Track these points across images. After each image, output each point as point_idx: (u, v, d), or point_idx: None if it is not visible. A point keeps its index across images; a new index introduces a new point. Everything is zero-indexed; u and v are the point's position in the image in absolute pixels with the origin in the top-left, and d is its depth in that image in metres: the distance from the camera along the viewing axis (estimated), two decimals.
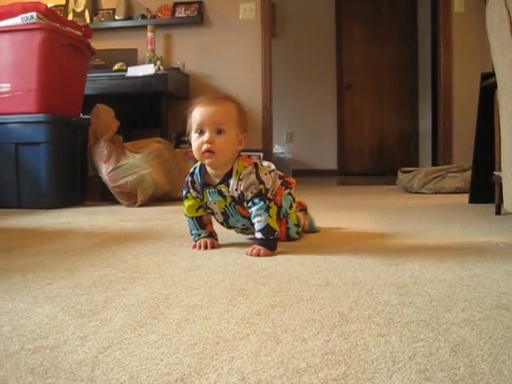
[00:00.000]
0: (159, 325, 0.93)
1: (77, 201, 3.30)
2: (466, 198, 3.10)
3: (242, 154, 1.70)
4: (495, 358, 0.76)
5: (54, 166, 3.08)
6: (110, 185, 3.14)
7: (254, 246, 1.60)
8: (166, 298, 1.11)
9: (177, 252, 1.65)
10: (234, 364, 0.75)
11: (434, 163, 5.77)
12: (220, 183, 1.65)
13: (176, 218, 2.57)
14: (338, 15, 7.04)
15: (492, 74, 2.43)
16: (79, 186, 3.35)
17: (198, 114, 1.61)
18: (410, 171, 4.19)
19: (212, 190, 1.66)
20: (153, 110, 4.39)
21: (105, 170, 3.15)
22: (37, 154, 3.06)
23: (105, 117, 3.34)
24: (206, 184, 1.67)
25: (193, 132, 1.63)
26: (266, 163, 1.84)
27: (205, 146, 1.58)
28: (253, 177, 1.61)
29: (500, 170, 2.43)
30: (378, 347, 0.81)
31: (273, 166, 1.84)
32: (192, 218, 1.74)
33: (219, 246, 1.73)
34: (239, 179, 1.62)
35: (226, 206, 1.68)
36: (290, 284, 1.22)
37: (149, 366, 0.75)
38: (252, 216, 1.63)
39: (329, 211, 2.67)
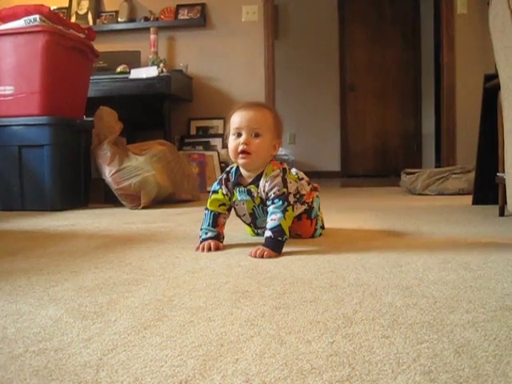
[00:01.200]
0: (163, 327, 0.93)
1: (80, 203, 3.30)
2: (469, 199, 3.10)
3: (275, 160, 1.78)
4: (500, 359, 0.76)
5: (57, 169, 3.09)
6: (114, 187, 3.15)
7: (259, 246, 1.60)
8: (170, 300, 1.11)
9: (180, 254, 1.65)
10: (238, 366, 0.75)
11: (437, 164, 5.77)
12: (250, 183, 1.73)
13: (180, 220, 2.57)
14: (341, 17, 7.05)
15: (495, 76, 2.42)
16: (83, 188, 3.35)
17: (237, 118, 1.70)
18: (414, 173, 4.18)
19: (242, 189, 1.74)
20: (156, 112, 4.39)
21: (108, 172, 3.16)
22: (40, 156, 3.06)
23: (108, 119, 3.34)
24: (238, 183, 1.75)
25: (230, 135, 1.72)
26: (294, 171, 1.93)
27: (241, 147, 1.67)
28: (278, 179, 1.69)
29: (503, 171, 2.43)
30: (382, 349, 0.81)
31: (302, 174, 1.95)
32: (211, 212, 1.78)
33: (224, 248, 1.73)
34: (266, 181, 1.69)
35: (254, 206, 1.76)
36: (293, 286, 1.22)
37: (153, 368, 0.75)
38: (268, 214, 1.68)
39: (332, 213, 2.67)
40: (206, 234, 1.76)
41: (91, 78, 3.74)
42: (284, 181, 1.69)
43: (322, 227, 1.97)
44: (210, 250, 1.69)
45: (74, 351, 0.82)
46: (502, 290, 1.15)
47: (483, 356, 0.77)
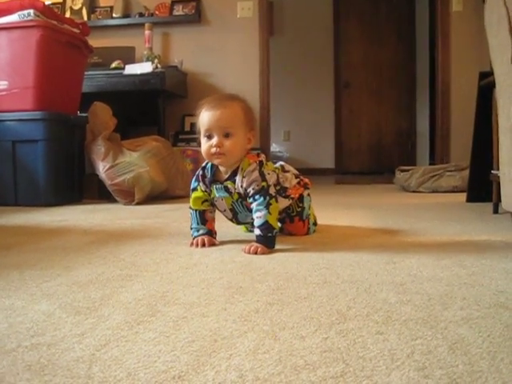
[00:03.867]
0: (157, 322, 0.93)
1: (74, 199, 3.29)
2: (463, 196, 3.10)
3: (251, 151, 1.72)
4: (494, 355, 0.76)
5: (51, 164, 3.07)
6: (108, 183, 3.14)
7: (252, 243, 1.60)
8: (164, 295, 1.11)
9: (174, 250, 1.65)
10: (231, 361, 0.75)
11: (432, 162, 5.78)
12: (227, 180, 1.68)
13: (173, 216, 2.57)
14: (336, 13, 7.05)
15: (490, 73, 2.43)
16: (76, 183, 3.34)
17: (205, 118, 1.63)
18: (408, 170, 4.19)
19: (219, 186, 1.70)
20: (150, 108, 4.38)
21: (102, 168, 3.15)
22: (34, 151, 3.05)
23: (102, 115, 3.33)
24: (215, 180, 1.71)
25: (201, 136, 1.66)
26: (281, 163, 1.90)
27: (213, 150, 1.61)
28: (256, 173, 1.64)
29: (498, 168, 2.43)
30: (376, 345, 0.81)
31: (289, 167, 1.92)
32: (196, 211, 1.75)
33: (218, 244, 1.73)
34: (243, 176, 1.65)
35: (233, 202, 1.72)
36: (287, 282, 1.21)
37: (146, 364, 0.74)
38: (253, 212, 1.65)
39: (326, 210, 2.67)
40: (198, 231, 1.74)
41: (86, 73, 3.73)
42: (262, 174, 1.65)
43: (315, 223, 1.95)
44: (203, 245, 1.69)
45: (67, 346, 0.82)
46: (496, 287, 1.15)
47: (477, 352, 0.77)
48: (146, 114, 4.61)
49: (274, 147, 5.89)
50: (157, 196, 3.34)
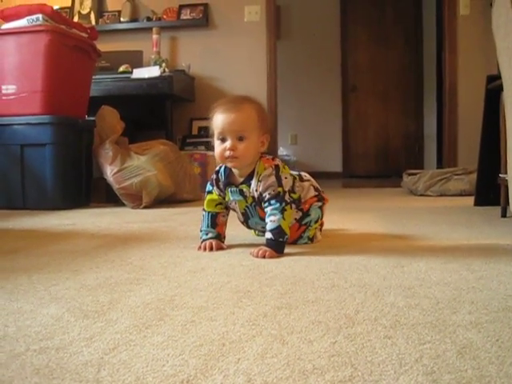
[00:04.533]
0: (165, 326, 0.93)
1: (82, 202, 3.30)
2: (471, 200, 3.09)
3: (265, 155, 1.71)
4: (502, 360, 0.75)
5: (59, 168, 3.09)
6: (115, 186, 3.15)
7: (261, 247, 1.59)
8: (172, 299, 1.11)
9: (182, 254, 1.65)
10: (240, 366, 0.75)
11: (439, 166, 5.76)
12: (242, 183, 1.68)
13: (181, 219, 2.57)
14: (343, 17, 7.05)
15: (498, 77, 2.42)
16: (84, 187, 3.35)
17: (219, 121, 1.62)
18: (416, 173, 4.18)
19: (234, 189, 1.69)
20: (158, 112, 4.39)
21: (110, 172, 3.16)
22: (42, 155, 3.06)
23: (110, 118, 3.34)
24: (229, 183, 1.70)
25: (215, 139, 1.65)
26: (299, 173, 1.86)
27: (227, 153, 1.61)
28: (272, 178, 1.63)
29: (506, 172, 2.42)
30: (384, 349, 0.80)
31: (309, 177, 1.88)
32: (208, 213, 1.75)
33: (225, 248, 1.72)
34: (259, 180, 1.64)
35: (246, 206, 1.71)
36: (295, 286, 1.21)
37: (155, 368, 0.74)
38: (266, 215, 1.64)
39: (334, 213, 2.66)
40: (207, 234, 1.74)
41: (93, 77, 3.74)
42: (278, 179, 1.63)
43: (311, 239, 1.82)
44: (211, 249, 1.68)
45: (76, 350, 0.82)
46: (505, 290, 1.15)
47: (486, 357, 0.77)
48: (153, 118, 4.62)
49: (282, 151, 5.90)
50: (164, 200, 3.34)
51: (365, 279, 1.27)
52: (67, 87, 3.23)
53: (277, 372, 0.72)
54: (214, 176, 1.74)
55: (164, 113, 4.32)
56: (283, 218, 1.60)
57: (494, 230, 2.11)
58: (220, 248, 1.71)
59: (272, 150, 4.72)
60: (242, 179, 1.68)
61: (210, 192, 1.76)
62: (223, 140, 1.62)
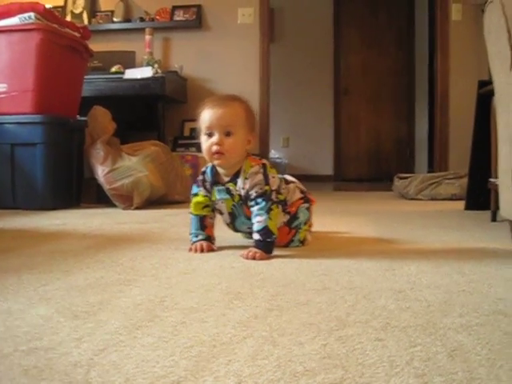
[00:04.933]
0: (155, 327, 0.93)
1: (72, 202, 3.28)
2: (461, 204, 3.11)
3: (252, 155, 1.71)
4: (493, 363, 0.76)
5: (49, 168, 3.07)
6: (106, 187, 3.13)
7: (251, 248, 1.59)
8: (162, 300, 1.10)
9: (173, 255, 1.64)
10: (230, 367, 0.75)
11: (430, 170, 5.78)
12: (228, 182, 1.68)
13: (172, 220, 2.57)
14: (336, 21, 7.07)
15: (489, 82, 2.43)
16: (75, 187, 3.33)
17: (206, 116, 1.63)
18: (407, 177, 4.20)
19: (221, 187, 1.69)
20: (150, 113, 4.38)
21: (101, 172, 3.14)
22: (33, 154, 3.04)
23: (102, 119, 3.33)
24: (216, 182, 1.70)
25: (202, 134, 1.65)
26: (283, 176, 1.85)
27: (214, 148, 1.61)
28: (259, 176, 1.63)
29: (496, 177, 2.43)
30: (375, 351, 0.80)
31: (293, 179, 1.87)
32: (196, 216, 1.74)
33: (216, 250, 1.72)
34: (246, 178, 1.63)
35: (233, 205, 1.70)
36: (286, 288, 1.21)
37: (145, 369, 0.74)
38: (252, 216, 1.63)
39: (325, 216, 2.67)
40: (197, 236, 1.73)
41: (85, 77, 3.73)
42: (266, 177, 1.63)
43: (302, 242, 1.81)
44: (202, 251, 1.68)
45: (65, 351, 0.81)
46: (495, 294, 1.15)
47: (476, 360, 0.77)
48: (145, 119, 4.61)
49: (273, 153, 5.89)
50: (155, 201, 3.33)
51: (356, 282, 1.27)
52: (59, 86, 3.22)
53: (268, 374, 0.72)
54: (201, 177, 1.74)
55: (156, 114, 4.30)
56: (269, 218, 1.60)
57: (485, 234, 2.12)
58: (211, 249, 1.70)
59: (264, 153, 4.73)
60: (227, 178, 1.68)
61: (195, 194, 1.75)
62: (210, 135, 1.62)
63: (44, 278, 1.32)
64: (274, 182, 1.67)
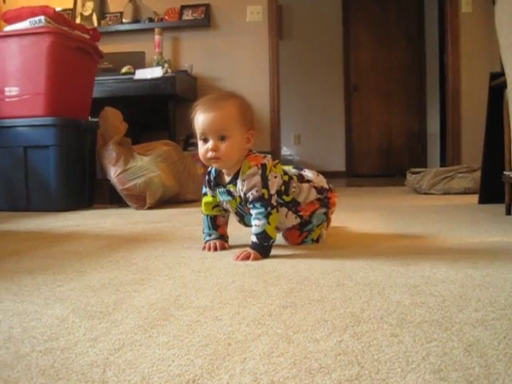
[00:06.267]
0: (170, 326, 0.93)
1: (85, 203, 3.30)
2: (475, 198, 3.08)
3: (254, 152, 1.65)
4: (510, 357, 0.75)
5: (62, 169, 3.09)
6: (119, 187, 3.15)
7: (246, 249, 1.57)
8: (177, 299, 1.11)
9: (186, 254, 1.65)
10: (246, 365, 0.75)
11: (443, 164, 5.76)
12: (229, 183, 1.63)
13: (185, 220, 2.57)
14: (345, 17, 7.04)
15: (501, 74, 2.41)
16: (88, 188, 3.35)
17: (199, 121, 1.58)
18: (419, 172, 4.17)
19: (222, 189, 1.65)
20: (161, 113, 4.39)
21: (113, 173, 3.16)
22: (46, 157, 3.07)
23: (113, 120, 3.34)
24: (218, 184, 1.67)
25: (198, 139, 1.61)
26: (300, 172, 1.76)
27: (210, 154, 1.56)
28: (256, 178, 1.56)
29: (510, 169, 2.41)
30: (391, 347, 0.80)
31: (311, 176, 1.76)
32: (207, 216, 1.73)
33: (229, 248, 1.72)
34: (243, 180, 1.59)
35: (237, 206, 1.67)
36: (300, 285, 1.21)
37: (160, 368, 0.74)
38: (252, 218, 1.59)
39: (338, 212, 2.64)
40: (210, 236, 1.73)
41: (96, 78, 3.75)
42: (263, 179, 1.56)
43: (316, 240, 1.78)
44: (216, 249, 1.68)
45: (81, 350, 0.82)
46: (511, 287, 1.14)
47: (493, 354, 0.76)
48: (156, 119, 4.62)
49: (285, 150, 5.90)
50: (168, 200, 3.34)
51: (370, 278, 1.27)
52: (70, 89, 3.23)
53: (283, 371, 0.72)
54: (207, 177, 1.71)
55: (167, 113, 4.32)
56: (268, 222, 1.56)
57: (499, 228, 2.10)
58: (224, 248, 1.70)
59: (275, 150, 4.73)
60: (229, 178, 1.64)
61: (205, 194, 1.74)
62: (205, 140, 1.58)
63: (59, 278, 1.33)
64: (275, 184, 1.60)
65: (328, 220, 1.84)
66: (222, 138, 1.55)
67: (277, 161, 1.69)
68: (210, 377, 0.71)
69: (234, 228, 1.85)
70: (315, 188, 1.74)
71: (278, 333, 0.88)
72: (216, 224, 1.74)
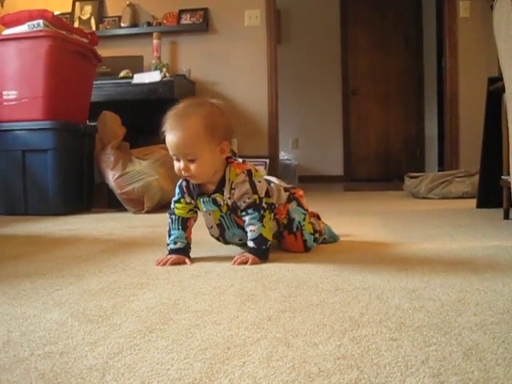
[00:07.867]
0: (169, 330, 0.93)
1: (83, 208, 3.30)
2: (473, 202, 3.09)
3: (234, 158, 1.63)
4: (509, 362, 0.75)
5: (60, 173, 3.09)
6: (117, 191, 3.14)
7: (244, 253, 1.57)
8: (175, 303, 1.11)
9: None
10: (245, 369, 0.75)
11: (440, 168, 5.76)
12: (214, 192, 1.59)
13: None
14: (343, 21, 7.05)
15: (499, 78, 2.42)
16: (86, 192, 3.35)
17: (168, 140, 1.54)
18: (417, 176, 4.18)
19: (206, 199, 1.60)
20: (159, 117, 4.38)
21: (111, 177, 3.16)
22: (44, 160, 3.06)
23: (111, 124, 3.34)
24: (201, 193, 1.61)
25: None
26: (270, 178, 1.79)
27: (183, 173, 1.54)
28: (246, 185, 1.55)
29: (508, 174, 2.42)
30: (390, 351, 0.80)
31: (273, 179, 1.79)
32: (179, 217, 1.65)
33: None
34: (232, 188, 1.56)
35: (221, 216, 1.62)
36: (299, 289, 1.21)
37: (159, 372, 0.74)
38: (245, 224, 1.58)
39: (336, 217, 2.66)
40: (175, 244, 1.62)
41: (94, 82, 3.74)
42: (252, 185, 1.55)
43: (316, 240, 1.75)
44: (173, 265, 1.56)
45: (80, 355, 0.82)
46: (509, 292, 1.14)
47: (492, 359, 0.76)
48: (154, 123, 4.59)
49: (283, 155, 5.88)
50: (166, 204, 3.33)
51: (368, 282, 1.27)
52: (68, 93, 3.23)
53: (282, 375, 0.72)
54: (184, 183, 1.64)
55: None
56: (263, 225, 1.55)
57: (497, 232, 2.11)
58: (184, 263, 1.57)
59: (274, 155, 4.73)
60: (213, 187, 1.59)
61: (177, 201, 1.66)
62: (178, 159, 1.55)
63: (57, 282, 1.33)
64: (262, 188, 1.58)
65: (310, 213, 1.80)
66: (191, 160, 1.52)
67: (254, 167, 1.66)
68: (209, 381, 0.71)
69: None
70: (282, 187, 1.75)
71: (277, 337, 0.88)
72: (186, 225, 1.65)
